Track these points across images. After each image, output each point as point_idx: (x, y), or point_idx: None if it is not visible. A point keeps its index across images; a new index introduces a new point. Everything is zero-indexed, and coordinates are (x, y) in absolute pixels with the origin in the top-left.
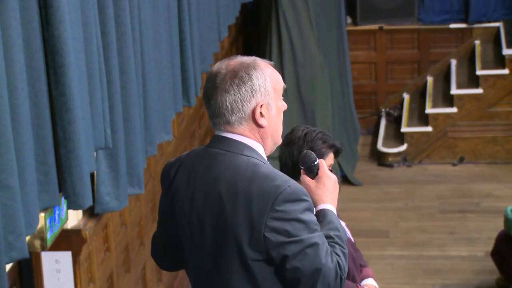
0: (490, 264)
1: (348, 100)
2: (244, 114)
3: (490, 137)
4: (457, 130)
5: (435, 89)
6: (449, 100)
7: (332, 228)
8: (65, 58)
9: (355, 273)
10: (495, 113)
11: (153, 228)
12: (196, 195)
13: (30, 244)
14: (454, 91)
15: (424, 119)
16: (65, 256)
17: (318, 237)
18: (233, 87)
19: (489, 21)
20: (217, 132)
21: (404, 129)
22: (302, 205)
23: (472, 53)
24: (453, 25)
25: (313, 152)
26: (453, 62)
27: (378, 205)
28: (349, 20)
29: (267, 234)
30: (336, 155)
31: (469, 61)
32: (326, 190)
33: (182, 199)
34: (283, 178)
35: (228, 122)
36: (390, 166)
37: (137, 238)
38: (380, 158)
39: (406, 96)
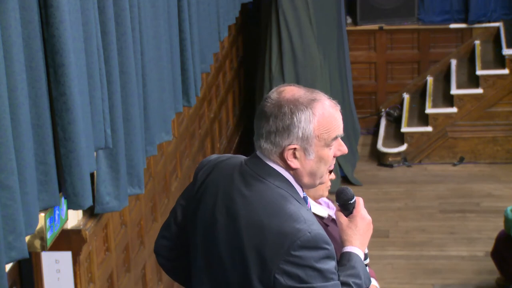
0: (490, 264)
1: (348, 100)
2: (275, 148)
3: (490, 137)
4: (457, 130)
5: (435, 89)
6: (449, 100)
7: (353, 274)
8: (65, 58)
9: None
10: (495, 113)
11: (153, 228)
12: (217, 210)
13: (30, 244)
14: (454, 91)
15: (424, 119)
16: (65, 256)
17: (331, 286)
18: (273, 118)
19: (489, 21)
20: (258, 152)
21: (404, 129)
22: (320, 253)
23: (472, 53)
24: (453, 25)
25: (350, 189)
26: (453, 62)
27: (378, 205)
28: (349, 20)
29: (277, 276)
30: None
31: (469, 61)
32: (357, 232)
33: (206, 208)
34: (307, 222)
35: (260, 147)
36: (390, 166)
37: (137, 238)
38: (380, 158)
39: (406, 96)
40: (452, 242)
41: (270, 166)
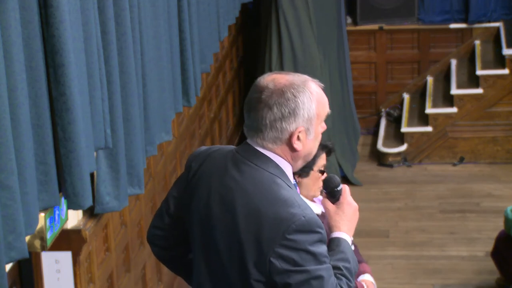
0: (490, 264)
1: (348, 100)
2: (281, 135)
3: (490, 137)
4: (457, 130)
5: (435, 89)
6: (449, 100)
7: (343, 258)
8: (65, 58)
9: None
10: (495, 113)
11: None
12: (212, 199)
13: (30, 244)
14: (454, 91)
15: (424, 119)
16: (65, 256)
17: (325, 269)
18: (277, 106)
19: (489, 21)
20: (249, 141)
21: (404, 129)
22: (314, 237)
23: (472, 53)
24: (453, 25)
25: (337, 177)
26: (453, 62)
27: (378, 205)
28: (349, 20)
29: (272, 260)
30: (328, 154)
31: (469, 61)
32: (345, 217)
33: (200, 198)
34: (301, 206)
35: (263, 138)
36: (390, 166)
37: (137, 238)
38: (380, 158)
39: (406, 96)
40: (452, 242)
41: (262, 153)
